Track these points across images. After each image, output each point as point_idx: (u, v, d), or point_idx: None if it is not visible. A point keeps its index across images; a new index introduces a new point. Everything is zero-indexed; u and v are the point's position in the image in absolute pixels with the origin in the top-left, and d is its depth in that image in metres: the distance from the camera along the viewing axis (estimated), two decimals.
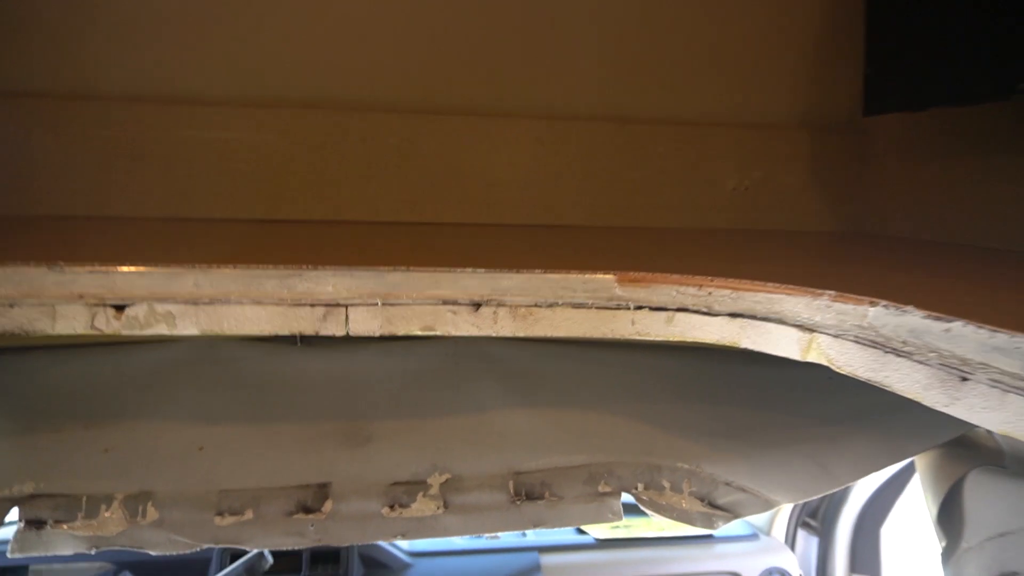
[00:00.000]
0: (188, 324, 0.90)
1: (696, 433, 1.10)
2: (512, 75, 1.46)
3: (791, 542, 2.24)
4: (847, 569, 2.13)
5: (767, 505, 1.02)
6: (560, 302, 0.99)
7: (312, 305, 0.93)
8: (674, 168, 1.48)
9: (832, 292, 0.84)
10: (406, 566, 1.85)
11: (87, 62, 1.29)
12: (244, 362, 1.13)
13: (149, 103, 1.28)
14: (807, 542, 2.20)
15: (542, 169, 1.44)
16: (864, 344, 0.82)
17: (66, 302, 0.89)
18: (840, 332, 0.85)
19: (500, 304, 0.98)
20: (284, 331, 0.92)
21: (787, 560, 2.12)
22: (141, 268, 0.88)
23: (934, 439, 0.99)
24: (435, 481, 1.06)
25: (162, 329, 0.90)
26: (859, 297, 0.81)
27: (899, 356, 0.76)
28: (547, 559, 1.92)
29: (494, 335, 0.98)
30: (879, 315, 0.77)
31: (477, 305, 0.97)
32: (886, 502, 2.03)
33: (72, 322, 0.89)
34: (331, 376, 1.14)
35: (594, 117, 1.39)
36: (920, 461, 1.07)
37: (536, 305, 1.00)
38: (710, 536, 2.11)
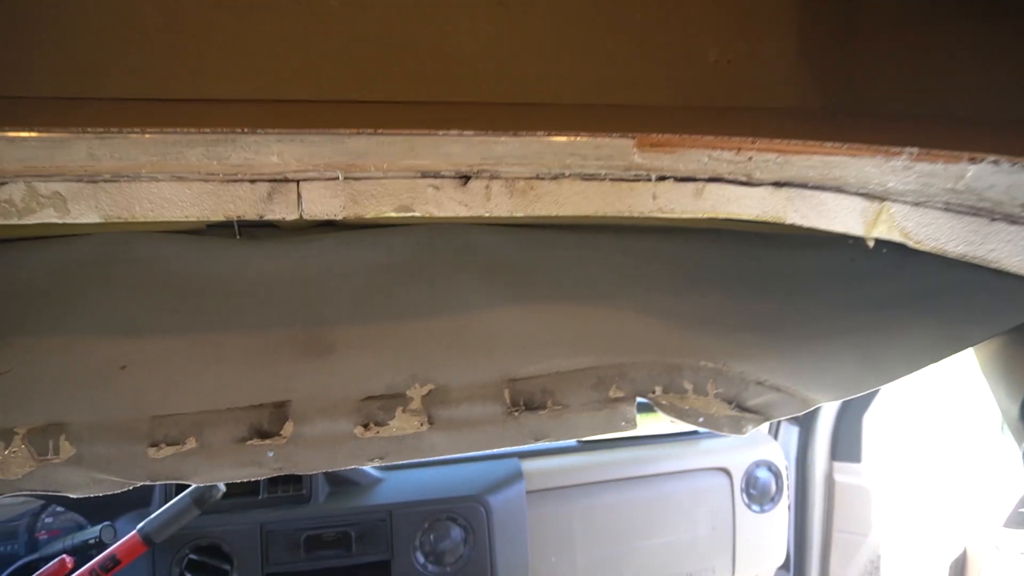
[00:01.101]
0: (85, 208, 0.69)
1: (718, 327, 0.95)
2: None
3: (774, 433, 2.20)
4: (828, 457, 2.11)
5: (804, 405, 0.90)
6: (567, 173, 0.81)
7: (253, 181, 0.72)
8: (651, 38, 1.28)
9: (913, 149, 0.67)
10: (376, 481, 1.72)
11: None
12: (170, 260, 0.92)
13: None
14: (788, 432, 2.17)
15: (506, 39, 1.22)
16: (959, 212, 0.66)
17: None
18: (923, 199, 0.69)
19: (493, 176, 0.79)
20: (217, 215, 0.71)
21: (773, 452, 2.08)
22: (10, 132, 0.64)
23: (1001, 323, 0.87)
24: (416, 393, 0.90)
25: (50, 216, 0.68)
26: (953, 153, 0.64)
27: (1014, 223, 0.60)
28: (528, 464, 1.83)
29: (487, 215, 0.79)
30: (984, 173, 0.61)
31: (465, 178, 0.78)
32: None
33: None
34: (280, 274, 0.94)
35: None
36: (982, 351, 0.95)
37: (538, 177, 0.81)
38: (695, 432, 2.04)
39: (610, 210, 0.83)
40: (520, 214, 0.80)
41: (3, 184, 0.66)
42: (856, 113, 1.36)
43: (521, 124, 1.00)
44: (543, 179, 0.81)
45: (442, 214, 0.78)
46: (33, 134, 0.64)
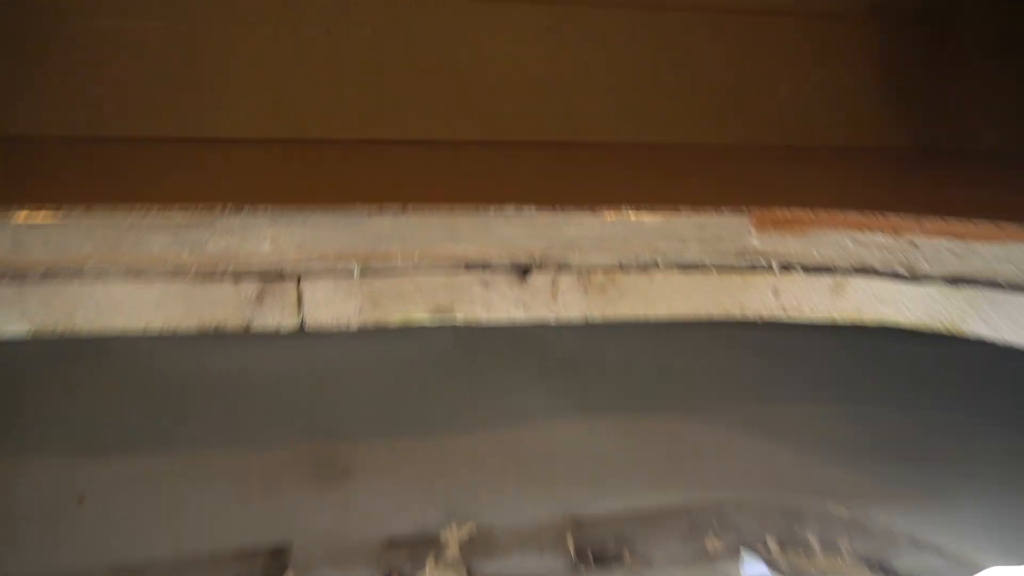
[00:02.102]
0: (9, 315, 0.52)
1: (850, 453, 0.74)
2: None
3: None
4: None
5: (974, 570, 0.67)
6: (659, 261, 0.62)
7: (237, 277, 0.54)
8: (716, 70, 1.22)
9: None
10: None
11: None
12: (147, 356, 0.76)
13: None
14: None
15: (556, 70, 1.16)
16: None
17: None
18: None
19: (563, 267, 0.60)
20: (188, 323, 0.55)
21: None
22: None
23: None
24: (452, 536, 0.72)
25: None
26: None
27: None
28: None
29: (553, 320, 0.60)
30: None
31: (525, 270, 0.59)
32: None
33: None
34: (282, 374, 0.78)
35: (620, 3, 1.18)
36: None
37: (621, 268, 0.62)
38: None
39: (717, 310, 0.63)
40: (597, 316, 0.61)
41: None
42: (965, 155, 1.23)
43: (578, 169, 0.84)
44: (628, 271, 0.62)
45: (492, 317, 0.59)
46: None
